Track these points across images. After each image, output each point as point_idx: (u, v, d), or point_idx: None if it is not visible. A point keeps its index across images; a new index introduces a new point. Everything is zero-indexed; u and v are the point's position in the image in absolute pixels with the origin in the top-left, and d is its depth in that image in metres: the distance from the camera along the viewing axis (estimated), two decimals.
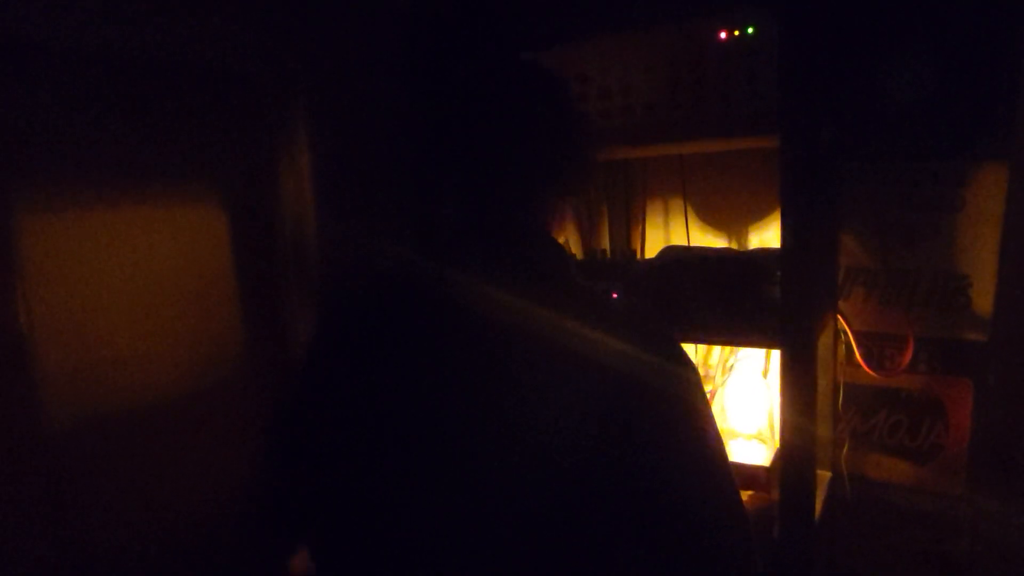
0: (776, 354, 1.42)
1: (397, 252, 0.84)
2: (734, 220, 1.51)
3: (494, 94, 0.78)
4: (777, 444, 1.29)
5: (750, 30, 1.05)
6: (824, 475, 1.39)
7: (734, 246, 1.50)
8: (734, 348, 1.53)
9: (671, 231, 1.58)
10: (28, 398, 1.04)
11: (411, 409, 0.71)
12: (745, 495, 1.17)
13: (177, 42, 1.16)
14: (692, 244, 1.53)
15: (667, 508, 0.68)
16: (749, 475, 1.22)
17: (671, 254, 1.30)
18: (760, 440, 1.47)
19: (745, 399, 1.50)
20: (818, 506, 1.23)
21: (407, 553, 0.70)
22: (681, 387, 0.71)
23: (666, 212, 1.59)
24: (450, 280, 0.74)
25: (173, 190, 1.25)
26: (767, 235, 1.46)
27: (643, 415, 0.67)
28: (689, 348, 1.59)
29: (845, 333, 1.36)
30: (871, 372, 1.35)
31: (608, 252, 1.61)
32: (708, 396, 0.73)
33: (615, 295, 1.23)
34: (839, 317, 1.37)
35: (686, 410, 0.70)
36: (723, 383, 1.54)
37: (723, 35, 1.07)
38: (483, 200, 0.79)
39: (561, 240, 0.83)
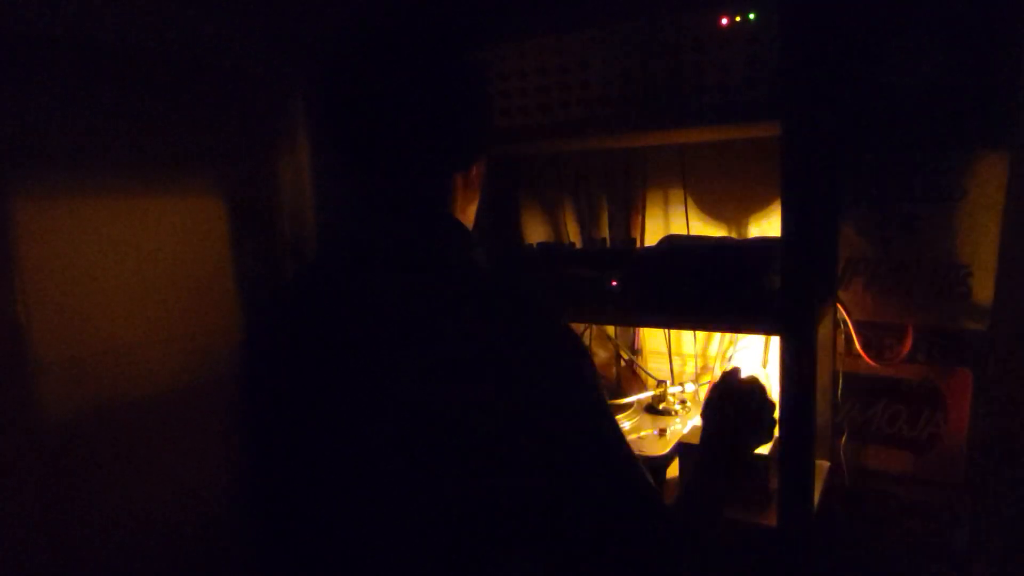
0: (775, 345, 1.42)
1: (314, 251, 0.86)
2: (734, 210, 1.51)
3: (371, 67, 0.74)
4: (776, 433, 1.29)
5: (751, 16, 1.05)
6: (823, 465, 1.39)
7: (734, 236, 1.50)
8: (733, 339, 1.53)
9: (671, 221, 1.58)
10: (25, 388, 1.04)
11: (314, 406, 0.73)
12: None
13: (178, 38, 1.15)
14: (692, 234, 1.53)
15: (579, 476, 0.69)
16: (748, 464, 1.21)
17: (671, 243, 1.29)
18: None
19: None
20: (817, 496, 1.23)
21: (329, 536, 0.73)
22: (571, 381, 0.71)
23: (666, 202, 1.58)
24: (344, 276, 0.76)
25: (173, 184, 1.25)
26: (767, 225, 1.46)
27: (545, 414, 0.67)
28: (688, 337, 1.59)
29: (845, 323, 1.36)
30: (870, 362, 1.35)
31: (608, 241, 1.61)
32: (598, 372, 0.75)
33: (614, 283, 1.22)
34: (839, 306, 1.36)
35: (577, 400, 0.71)
36: None
37: (724, 21, 1.07)
38: (369, 182, 0.78)
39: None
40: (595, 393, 0.72)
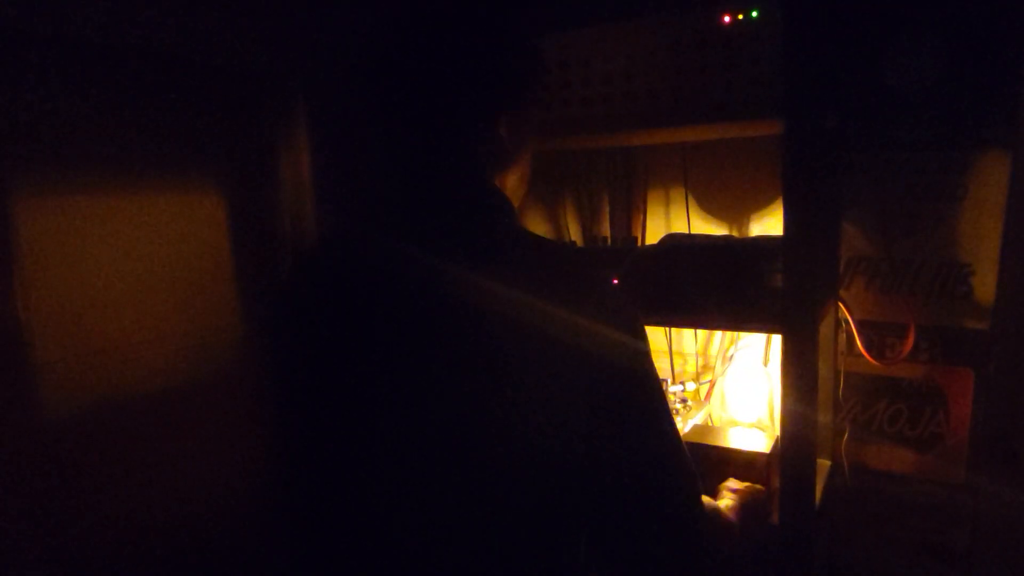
0: (776, 343, 1.41)
1: (345, 228, 0.81)
2: (735, 209, 1.50)
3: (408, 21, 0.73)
4: (777, 432, 1.29)
5: (754, 14, 1.04)
6: (824, 464, 1.39)
7: (735, 235, 1.50)
8: (734, 338, 1.52)
9: (672, 219, 1.58)
10: (26, 386, 1.04)
11: (371, 397, 0.71)
12: (744, 483, 1.17)
13: (178, 35, 1.15)
14: (693, 232, 1.53)
15: (631, 474, 0.70)
16: (749, 463, 1.21)
17: (672, 241, 1.29)
18: (760, 428, 1.46)
19: (745, 388, 1.50)
20: (818, 495, 1.23)
21: (390, 541, 0.71)
22: (638, 359, 0.73)
23: (667, 200, 1.58)
24: (392, 255, 0.73)
25: (173, 182, 1.24)
26: (768, 224, 1.46)
27: (606, 389, 0.68)
28: (689, 335, 1.59)
29: (846, 321, 1.36)
30: (872, 361, 1.35)
31: (609, 240, 1.60)
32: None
33: (615, 281, 1.22)
34: (840, 305, 1.36)
35: (643, 380, 0.73)
36: (723, 372, 1.54)
37: (727, 19, 1.06)
38: (406, 141, 0.76)
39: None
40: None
